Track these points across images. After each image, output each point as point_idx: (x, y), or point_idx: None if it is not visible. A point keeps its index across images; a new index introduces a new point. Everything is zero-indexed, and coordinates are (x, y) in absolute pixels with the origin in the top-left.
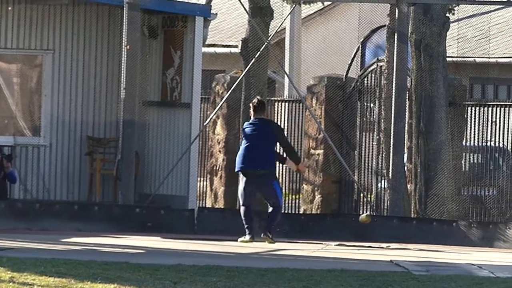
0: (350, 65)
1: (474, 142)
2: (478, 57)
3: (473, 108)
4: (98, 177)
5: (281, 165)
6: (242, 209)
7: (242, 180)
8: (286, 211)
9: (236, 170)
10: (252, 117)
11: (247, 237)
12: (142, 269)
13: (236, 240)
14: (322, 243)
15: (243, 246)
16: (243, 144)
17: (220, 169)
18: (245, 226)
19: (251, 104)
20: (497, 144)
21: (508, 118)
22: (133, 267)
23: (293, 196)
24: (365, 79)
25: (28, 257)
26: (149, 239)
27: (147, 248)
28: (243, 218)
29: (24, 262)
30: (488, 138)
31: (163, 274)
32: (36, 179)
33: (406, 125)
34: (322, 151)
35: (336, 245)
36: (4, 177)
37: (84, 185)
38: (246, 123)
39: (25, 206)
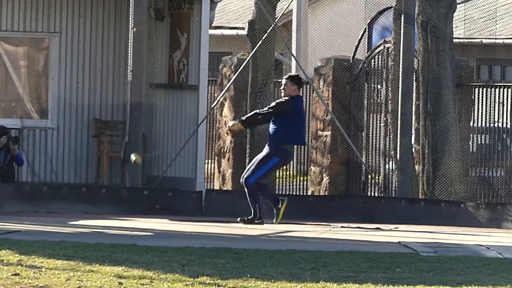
0: (357, 46)
1: (481, 123)
2: (485, 38)
3: (481, 89)
4: (105, 160)
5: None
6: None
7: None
8: (294, 193)
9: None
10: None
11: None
12: (150, 251)
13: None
14: (330, 225)
15: (251, 228)
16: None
17: (227, 151)
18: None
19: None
20: (504, 125)
21: None
22: (141, 249)
23: (301, 178)
24: (372, 60)
25: (35, 239)
26: (157, 221)
27: (155, 230)
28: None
29: (31, 245)
30: (496, 119)
31: (171, 256)
32: (43, 161)
33: (413, 106)
34: (329, 132)
35: (344, 226)
36: (11, 160)
37: (91, 167)
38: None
39: (32, 189)
